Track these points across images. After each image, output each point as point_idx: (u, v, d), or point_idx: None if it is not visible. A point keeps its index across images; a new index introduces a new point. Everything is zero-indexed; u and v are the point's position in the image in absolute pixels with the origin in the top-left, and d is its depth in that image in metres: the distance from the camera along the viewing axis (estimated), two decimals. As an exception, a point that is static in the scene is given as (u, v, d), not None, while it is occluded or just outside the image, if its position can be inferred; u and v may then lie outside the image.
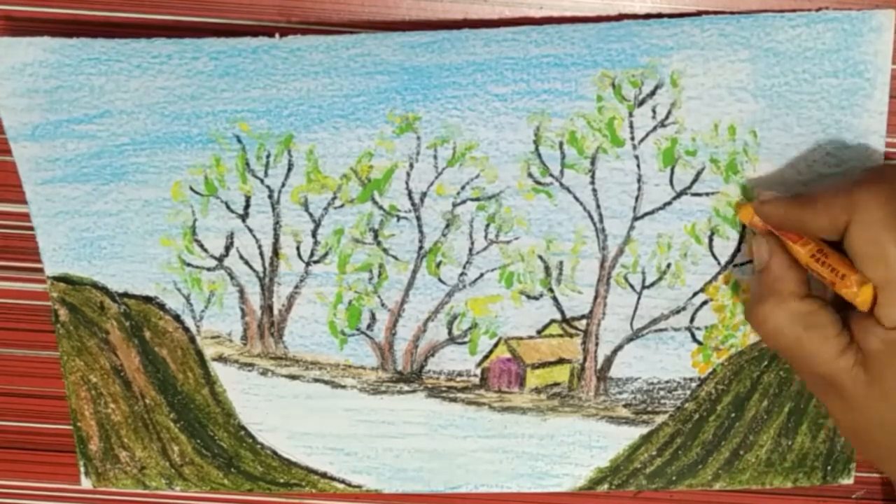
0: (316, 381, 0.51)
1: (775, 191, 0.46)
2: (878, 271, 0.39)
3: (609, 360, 0.51)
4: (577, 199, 0.48)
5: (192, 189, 0.49)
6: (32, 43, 0.46)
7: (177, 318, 0.51)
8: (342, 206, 0.49)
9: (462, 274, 0.50)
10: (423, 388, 0.51)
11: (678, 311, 0.50)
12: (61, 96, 0.47)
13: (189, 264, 0.50)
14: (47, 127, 0.48)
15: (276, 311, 0.51)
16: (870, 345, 0.40)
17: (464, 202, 0.49)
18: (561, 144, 0.48)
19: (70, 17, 0.48)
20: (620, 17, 0.46)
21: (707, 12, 0.46)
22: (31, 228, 0.50)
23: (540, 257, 0.49)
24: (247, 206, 0.49)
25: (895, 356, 0.40)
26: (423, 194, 0.49)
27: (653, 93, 0.47)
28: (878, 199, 0.39)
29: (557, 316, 0.50)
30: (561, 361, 0.51)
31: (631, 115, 0.47)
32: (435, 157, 0.48)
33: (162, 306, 0.51)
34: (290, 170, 0.48)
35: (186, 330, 0.51)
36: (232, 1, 0.47)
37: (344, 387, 0.52)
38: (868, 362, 0.41)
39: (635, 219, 0.49)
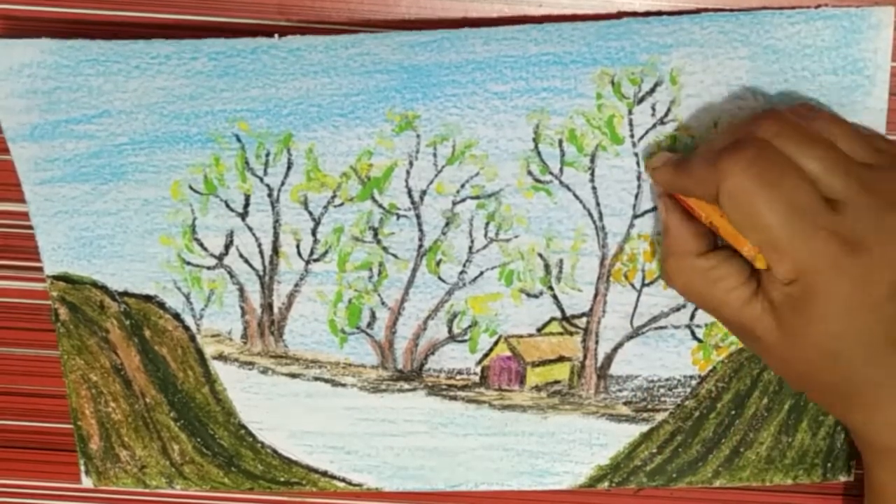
0: (316, 379, 0.52)
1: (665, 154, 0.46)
2: (752, 237, 0.40)
3: (609, 358, 0.51)
4: (576, 196, 0.48)
5: (191, 188, 0.49)
6: (30, 44, 0.46)
7: (177, 316, 0.51)
8: (342, 204, 0.49)
9: (462, 272, 0.50)
10: (423, 387, 0.51)
11: (678, 309, 0.50)
12: (59, 97, 0.47)
13: (189, 263, 0.50)
14: (45, 127, 0.48)
15: (276, 310, 0.51)
16: (773, 297, 0.41)
17: (463, 200, 0.49)
18: (560, 142, 0.48)
19: (71, 17, 0.48)
20: (620, 15, 0.46)
21: (706, 10, 0.46)
22: (31, 227, 0.50)
23: (540, 255, 0.49)
24: (246, 205, 0.49)
25: (794, 308, 0.40)
26: (423, 192, 0.49)
27: (652, 90, 0.47)
28: (735, 167, 0.39)
29: (557, 314, 0.50)
30: (561, 359, 0.51)
31: (630, 112, 0.47)
32: (434, 156, 0.48)
33: (162, 305, 0.51)
34: (289, 168, 0.48)
35: (186, 328, 0.51)
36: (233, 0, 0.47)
37: (344, 385, 0.52)
38: (775, 311, 0.41)
39: (635, 216, 0.48)
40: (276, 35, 0.46)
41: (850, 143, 0.41)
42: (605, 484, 0.53)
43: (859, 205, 0.39)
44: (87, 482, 0.54)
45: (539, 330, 0.50)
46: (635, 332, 0.50)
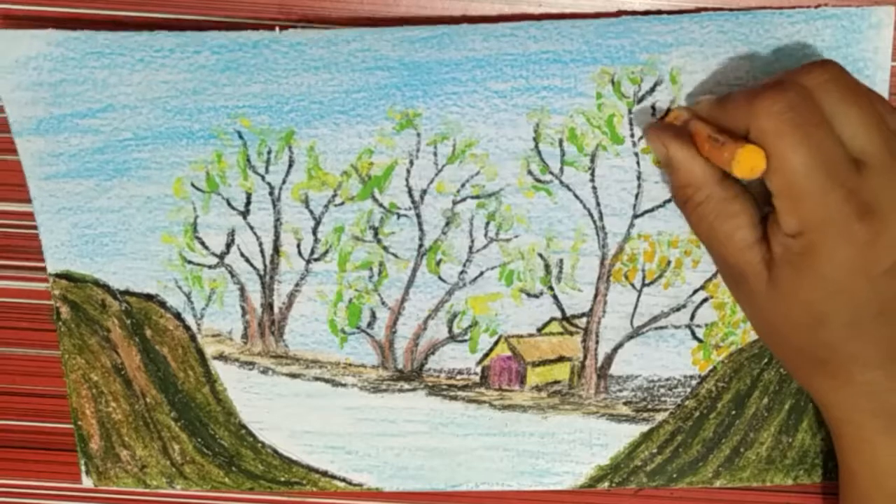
0: (316, 379, 0.52)
1: None
2: (773, 180, 0.39)
3: (609, 358, 0.51)
4: (577, 196, 0.48)
5: (193, 185, 0.49)
6: (36, 36, 0.46)
7: (177, 316, 0.51)
8: (342, 203, 0.49)
9: (462, 272, 0.50)
10: (423, 387, 0.51)
11: (678, 309, 0.50)
12: (65, 90, 0.47)
13: (190, 262, 0.50)
14: (51, 121, 0.48)
15: (276, 310, 0.51)
16: (774, 247, 0.41)
17: (464, 200, 0.49)
18: (560, 142, 0.48)
19: (71, 16, 0.48)
20: (619, 14, 0.47)
21: (706, 9, 0.46)
22: (33, 227, 0.50)
23: (540, 255, 0.49)
24: (248, 203, 0.49)
25: (791, 263, 0.40)
26: (424, 192, 0.49)
27: (652, 90, 0.47)
28: (773, 108, 0.39)
29: (557, 314, 0.50)
30: (561, 359, 0.51)
31: (630, 112, 0.47)
32: (435, 154, 0.48)
33: (163, 304, 0.51)
34: (290, 166, 0.48)
35: (187, 328, 0.51)
36: (233, -1, 0.48)
37: (344, 385, 0.52)
38: (771, 263, 0.41)
39: (635, 216, 0.49)
40: (277, 29, 0.46)
41: (887, 110, 0.41)
42: (606, 484, 0.52)
43: (886, 171, 0.39)
44: (87, 482, 0.54)
45: (539, 330, 0.51)
46: (635, 332, 0.50)
